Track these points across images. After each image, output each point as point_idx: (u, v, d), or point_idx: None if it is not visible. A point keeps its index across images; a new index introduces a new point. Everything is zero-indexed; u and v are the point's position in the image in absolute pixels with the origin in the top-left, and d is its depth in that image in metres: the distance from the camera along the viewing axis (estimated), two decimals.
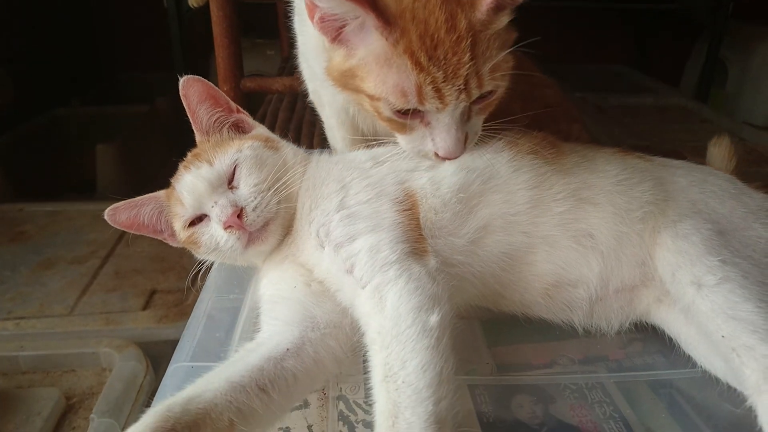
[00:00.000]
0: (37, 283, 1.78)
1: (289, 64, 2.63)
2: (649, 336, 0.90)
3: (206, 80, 0.89)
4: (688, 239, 0.80)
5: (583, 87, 3.44)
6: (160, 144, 3.63)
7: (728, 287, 0.73)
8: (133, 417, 1.33)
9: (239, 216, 0.80)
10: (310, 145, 2.07)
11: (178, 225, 0.86)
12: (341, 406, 0.75)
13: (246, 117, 0.94)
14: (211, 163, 0.84)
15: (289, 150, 0.92)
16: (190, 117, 0.90)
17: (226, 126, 0.91)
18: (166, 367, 1.47)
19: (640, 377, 0.84)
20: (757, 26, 3.74)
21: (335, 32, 0.78)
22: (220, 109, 0.91)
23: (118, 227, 0.89)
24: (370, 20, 0.73)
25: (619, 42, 4.45)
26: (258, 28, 3.48)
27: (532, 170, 0.86)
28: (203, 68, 3.69)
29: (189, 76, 0.88)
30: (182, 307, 1.69)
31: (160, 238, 0.92)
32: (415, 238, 0.77)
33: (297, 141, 2.15)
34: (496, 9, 0.75)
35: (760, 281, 0.74)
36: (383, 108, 0.79)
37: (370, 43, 0.76)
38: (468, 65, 0.73)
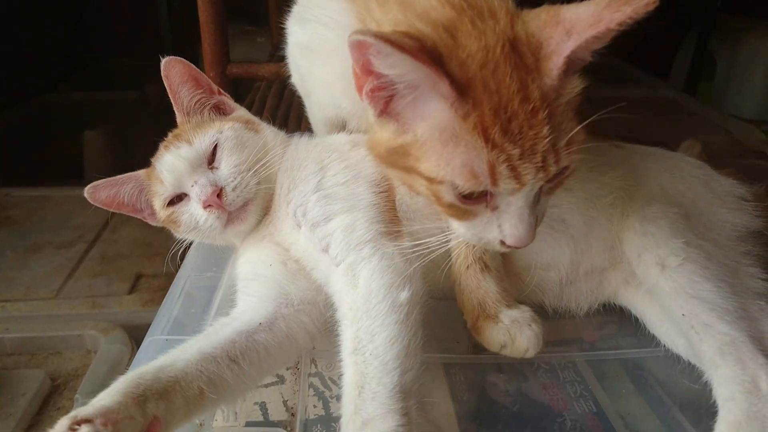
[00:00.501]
0: (24, 267, 1.79)
1: (278, 52, 2.63)
2: (623, 319, 0.92)
3: (188, 62, 0.89)
4: (655, 222, 0.82)
5: None
6: (149, 130, 3.60)
7: (690, 268, 0.75)
8: None
9: (219, 196, 0.81)
10: (298, 131, 2.07)
11: (158, 203, 0.87)
12: (316, 382, 0.77)
13: (227, 99, 0.95)
14: (190, 143, 0.85)
15: (269, 132, 0.93)
16: (171, 98, 0.91)
17: (207, 107, 0.92)
18: None
19: (608, 356, 0.86)
20: (745, 19, 3.77)
21: (385, 103, 0.67)
22: (201, 91, 0.91)
23: (98, 205, 0.89)
24: (442, 88, 0.62)
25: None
26: (248, 15, 3.48)
27: None
28: (192, 55, 3.67)
29: (171, 57, 0.89)
30: (167, 291, 1.69)
31: (140, 217, 0.93)
32: (390, 220, 0.79)
33: (285, 127, 2.15)
34: (567, 72, 0.67)
35: (721, 263, 0.77)
36: (445, 192, 0.67)
37: (433, 117, 0.65)
38: (546, 139, 0.64)
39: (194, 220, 0.83)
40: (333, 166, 0.83)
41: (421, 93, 0.65)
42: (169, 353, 0.67)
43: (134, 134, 3.40)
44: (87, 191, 0.88)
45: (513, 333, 0.75)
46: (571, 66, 0.67)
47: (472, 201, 0.67)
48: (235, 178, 0.82)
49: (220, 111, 0.94)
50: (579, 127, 0.68)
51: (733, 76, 3.75)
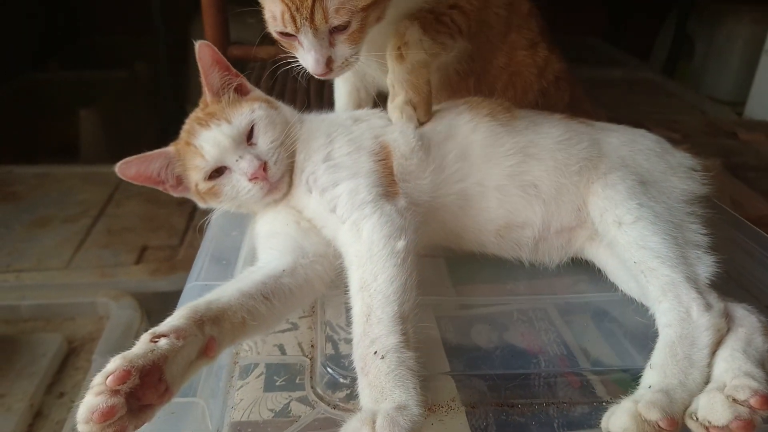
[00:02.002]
0: (33, 240, 1.88)
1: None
2: (593, 278, 1.04)
3: (214, 47, 0.98)
4: (614, 187, 0.95)
5: None
6: (139, 108, 3.68)
7: (642, 225, 0.89)
8: None
9: (264, 169, 0.91)
10: None
11: (198, 176, 0.95)
12: (327, 329, 0.89)
13: (245, 81, 1.03)
14: (229, 122, 0.94)
15: (285, 109, 1.03)
16: (203, 78, 0.98)
17: (231, 88, 1.00)
18: (161, 316, 1.61)
19: (573, 298, 1.00)
20: (723, 3, 3.85)
21: None
22: (227, 73, 1.00)
23: (125, 179, 0.96)
24: None
25: (593, 16, 4.55)
26: None
27: (487, 130, 1.00)
28: (182, 33, 3.71)
29: (202, 41, 0.96)
30: (173, 262, 1.80)
31: (160, 188, 0.99)
32: (388, 183, 0.92)
33: None
34: None
35: (668, 220, 0.90)
36: (271, 28, 0.94)
37: None
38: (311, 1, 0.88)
39: (236, 190, 0.93)
40: (339, 139, 0.96)
41: None
42: (213, 291, 0.79)
43: (127, 112, 3.47)
44: (118, 167, 0.94)
45: None
46: None
47: (286, 36, 0.93)
48: (273, 153, 0.93)
49: (239, 91, 1.02)
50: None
51: (711, 58, 3.85)
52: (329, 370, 0.80)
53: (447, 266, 1.06)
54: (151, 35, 3.53)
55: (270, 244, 0.91)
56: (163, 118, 3.78)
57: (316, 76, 0.96)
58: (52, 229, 1.95)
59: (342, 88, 1.31)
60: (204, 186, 0.95)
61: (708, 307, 0.79)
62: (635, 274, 0.86)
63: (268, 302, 0.80)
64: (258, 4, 0.98)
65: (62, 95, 3.46)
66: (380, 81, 1.20)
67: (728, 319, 0.79)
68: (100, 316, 1.62)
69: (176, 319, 0.70)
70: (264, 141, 0.94)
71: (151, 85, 3.77)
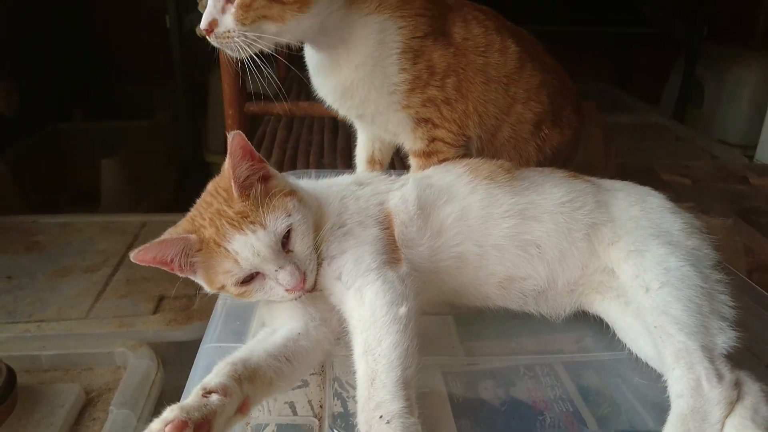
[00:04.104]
0: (54, 289, 1.93)
1: (285, 86, 2.80)
2: (599, 333, 1.06)
3: (244, 136, 0.92)
4: (642, 255, 0.95)
5: None
6: (159, 156, 3.79)
7: (666, 290, 0.89)
8: (147, 409, 1.48)
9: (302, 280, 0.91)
10: (306, 162, 2.23)
11: (228, 280, 0.91)
12: (335, 385, 0.92)
13: (267, 165, 0.98)
14: (264, 227, 0.89)
15: (306, 196, 0.99)
16: (231, 170, 0.91)
17: (257, 178, 0.94)
18: (176, 366, 1.63)
19: (578, 357, 1.01)
20: (730, 49, 3.91)
21: None
22: (252, 163, 0.94)
23: (139, 263, 0.91)
24: None
25: (603, 62, 4.63)
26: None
27: (485, 191, 1.03)
28: (202, 83, 3.84)
29: (235, 132, 0.90)
30: (189, 311, 1.84)
31: (167, 269, 0.93)
32: (392, 250, 0.95)
33: (294, 158, 2.31)
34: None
35: (696, 285, 0.90)
36: None
37: None
38: None
39: (267, 294, 0.92)
40: (349, 206, 1.00)
41: None
42: (242, 351, 0.84)
43: (146, 160, 3.57)
44: (135, 255, 0.90)
45: None
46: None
47: None
48: (310, 261, 0.93)
49: (264, 179, 0.97)
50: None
51: (721, 102, 3.88)
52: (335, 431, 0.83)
53: (455, 323, 1.08)
54: (171, 85, 3.67)
55: (280, 309, 0.95)
56: (181, 165, 3.88)
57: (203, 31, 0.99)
58: (74, 278, 2.00)
59: (360, 136, 1.38)
60: (235, 290, 0.92)
61: (720, 378, 0.80)
62: (654, 338, 0.88)
63: (289, 364, 0.85)
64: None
65: (85, 145, 3.58)
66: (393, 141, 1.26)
67: (739, 388, 0.80)
68: (118, 366, 1.65)
69: (221, 376, 0.76)
70: (301, 248, 0.92)
71: (170, 134, 3.89)
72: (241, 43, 0.99)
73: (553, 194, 1.04)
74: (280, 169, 2.18)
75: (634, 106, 4.07)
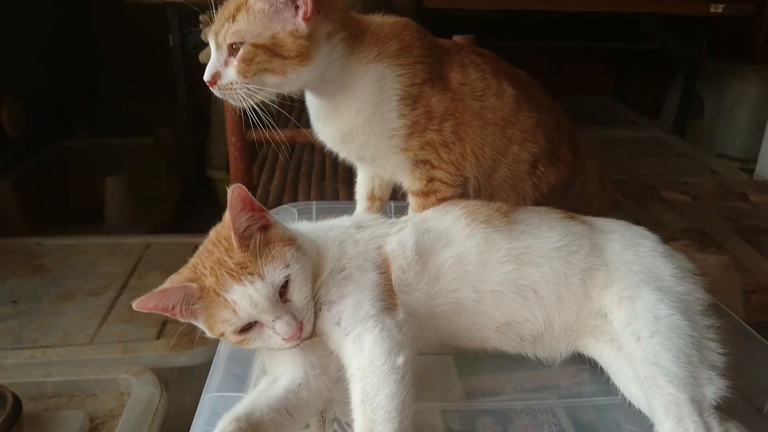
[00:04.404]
0: (59, 314, 1.95)
1: (285, 109, 2.82)
2: (594, 367, 1.08)
3: (245, 187, 0.93)
4: (633, 301, 0.97)
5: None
6: (162, 174, 3.82)
7: (656, 340, 0.90)
8: None
9: (299, 329, 0.92)
10: (308, 185, 2.25)
11: (227, 329, 0.93)
12: (335, 426, 0.94)
13: (267, 215, 0.99)
14: (262, 277, 0.90)
15: (305, 243, 1.00)
16: (231, 221, 0.92)
17: (256, 228, 0.95)
18: (179, 390, 1.65)
19: (576, 402, 1.02)
20: (729, 64, 3.93)
21: None
22: (253, 213, 0.95)
23: (141, 311, 0.94)
24: None
25: (603, 77, 4.66)
26: None
27: (482, 236, 1.04)
28: (204, 100, 3.87)
29: (236, 185, 0.91)
30: (191, 336, 1.84)
31: (168, 314, 0.96)
32: (389, 295, 0.96)
33: (296, 181, 2.33)
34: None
35: (686, 334, 0.91)
36: None
37: None
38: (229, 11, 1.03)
39: (265, 342, 0.93)
40: (348, 250, 1.01)
41: None
42: (244, 404, 0.86)
43: (150, 178, 3.60)
44: (137, 304, 0.92)
45: None
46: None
47: None
48: (307, 310, 0.93)
49: (264, 228, 0.98)
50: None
51: (720, 116, 3.90)
52: None
53: (454, 360, 1.10)
54: (174, 102, 3.70)
55: (280, 356, 0.96)
56: (184, 183, 3.92)
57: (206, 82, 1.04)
58: (78, 302, 2.03)
59: (360, 173, 1.40)
60: (233, 338, 0.94)
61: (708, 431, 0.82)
62: (644, 388, 0.89)
63: (290, 417, 0.88)
64: None
65: (89, 162, 3.61)
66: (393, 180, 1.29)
67: None
68: (122, 392, 1.67)
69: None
70: (299, 298, 0.93)
71: (173, 151, 3.92)
72: (243, 95, 1.02)
73: (549, 238, 1.05)
74: (282, 193, 2.21)
75: (634, 120, 4.08)
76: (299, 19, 1.01)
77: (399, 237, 1.06)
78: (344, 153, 1.23)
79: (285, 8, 1.01)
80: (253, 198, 0.95)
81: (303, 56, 1.02)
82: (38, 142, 3.46)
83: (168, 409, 1.62)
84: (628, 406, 0.97)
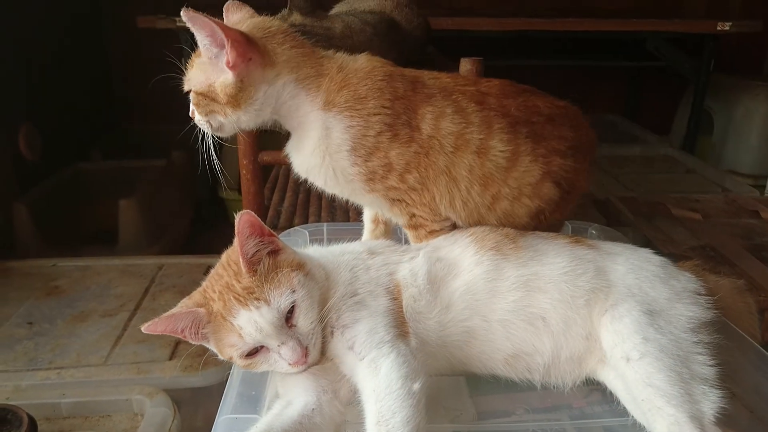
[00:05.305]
0: (74, 335, 1.97)
1: None
2: (608, 388, 1.08)
3: (254, 213, 0.95)
4: (621, 321, 0.99)
5: None
6: (175, 195, 3.86)
7: (647, 361, 0.92)
8: None
9: (305, 354, 0.94)
10: (319, 206, 2.27)
11: (234, 353, 0.95)
12: None
13: (277, 240, 1.00)
14: (268, 303, 0.92)
15: (314, 269, 1.01)
16: (239, 249, 0.94)
17: (265, 253, 0.97)
18: (192, 411, 1.65)
19: (588, 424, 1.02)
20: (738, 80, 3.93)
21: None
22: (261, 239, 0.96)
23: (150, 333, 0.96)
24: None
25: (613, 94, 4.67)
26: None
27: (491, 263, 1.06)
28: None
29: (244, 211, 0.94)
30: (204, 357, 1.86)
31: (180, 336, 0.99)
32: (401, 322, 0.98)
33: (307, 202, 2.35)
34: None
35: (674, 354, 0.93)
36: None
37: None
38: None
39: (272, 366, 0.96)
40: (360, 276, 1.02)
41: None
42: (259, 426, 0.88)
43: (163, 200, 3.63)
44: (147, 327, 0.95)
45: None
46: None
47: None
48: (314, 335, 0.95)
49: (273, 252, 0.99)
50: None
51: (730, 133, 3.89)
52: None
53: (466, 381, 1.11)
54: (186, 123, 3.73)
55: (293, 381, 0.97)
56: (197, 204, 3.95)
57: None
58: (92, 323, 2.04)
59: None
60: (241, 362, 0.97)
61: None
62: (643, 410, 0.90)
63: None
64: None
65: (103, 184, 3.65)
66: None
67: None
68: (135, 413, 1.68)
69: None
70: (304, 323, 0.95)
71: (186, 173, 3.96)
72: (208, 129, 1.14)
73: (556, 263, 1.06)
74: (293, 214, 2.22)
75: (643, 137, 4.09)
76: (226, 68, 1.05)
77: (411, 266, 1.07)
78: (317, 186, 1.21)
79: (219, 58, 1.05)
80: (263, 223, 0.97)
81: (232, 103, 1.07)
82: (53, 165, 3.51)
83: (181, 430, 1.63)
84: (640, 428, 0.97)
